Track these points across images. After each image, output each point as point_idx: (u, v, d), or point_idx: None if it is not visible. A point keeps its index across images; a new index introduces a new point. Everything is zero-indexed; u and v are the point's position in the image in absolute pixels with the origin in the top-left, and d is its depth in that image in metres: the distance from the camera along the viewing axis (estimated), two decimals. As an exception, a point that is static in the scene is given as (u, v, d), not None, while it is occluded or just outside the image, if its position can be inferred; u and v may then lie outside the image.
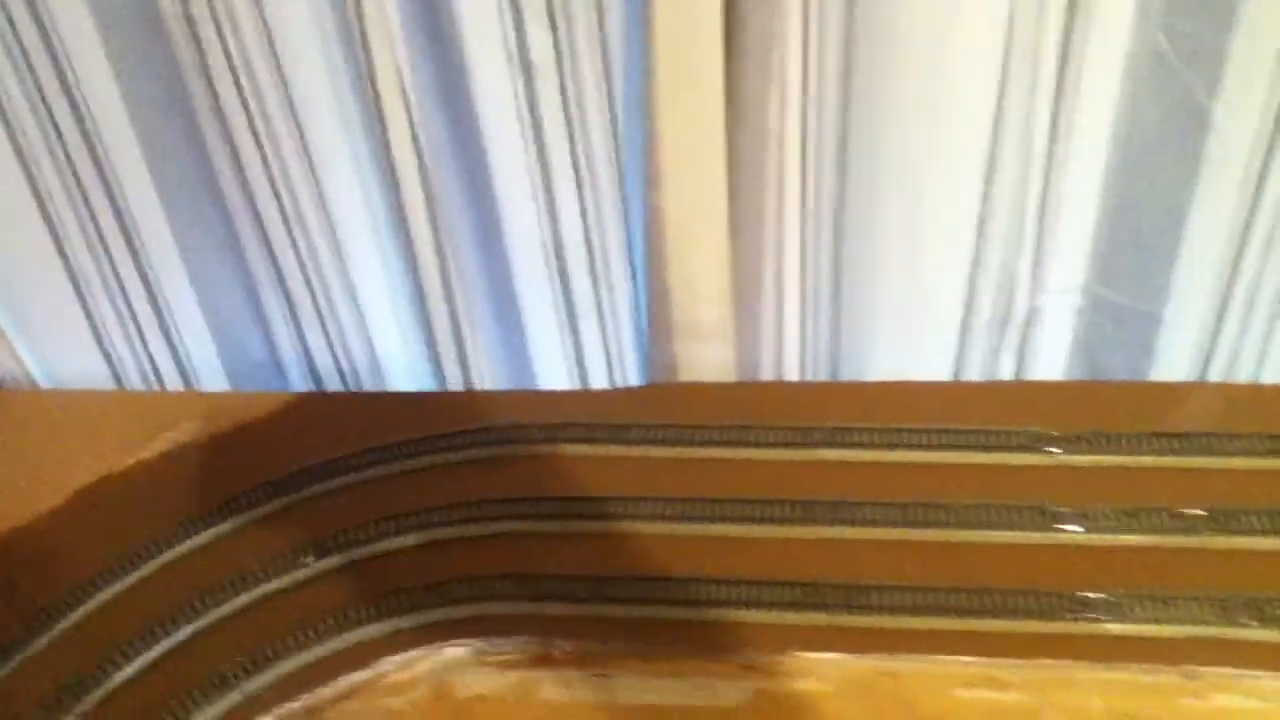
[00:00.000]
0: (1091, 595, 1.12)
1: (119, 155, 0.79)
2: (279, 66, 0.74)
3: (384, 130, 0.76)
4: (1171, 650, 1.09)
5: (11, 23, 0.71)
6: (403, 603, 1.12)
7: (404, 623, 1.10)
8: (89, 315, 0.87)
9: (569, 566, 1.16)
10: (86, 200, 0.80)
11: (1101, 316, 0.82)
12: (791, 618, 1.12)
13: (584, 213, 0.80)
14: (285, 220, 0.81)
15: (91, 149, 0.78)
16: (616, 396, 0.89)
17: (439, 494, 1.21)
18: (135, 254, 0.84)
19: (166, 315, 0.87)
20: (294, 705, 1.05)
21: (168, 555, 1.17)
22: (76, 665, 1.13)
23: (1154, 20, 0.68)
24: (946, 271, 0.80)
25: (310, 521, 1.19)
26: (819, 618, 1.12)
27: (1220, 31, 0.68)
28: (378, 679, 1.06)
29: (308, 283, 0.85)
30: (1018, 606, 1.12)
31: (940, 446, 1.25)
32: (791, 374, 0.89)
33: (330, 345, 0.88)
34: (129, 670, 1.10)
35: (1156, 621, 1.10)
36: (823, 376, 0.88)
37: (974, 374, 0.86)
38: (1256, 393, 0.82)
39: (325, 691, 1.05)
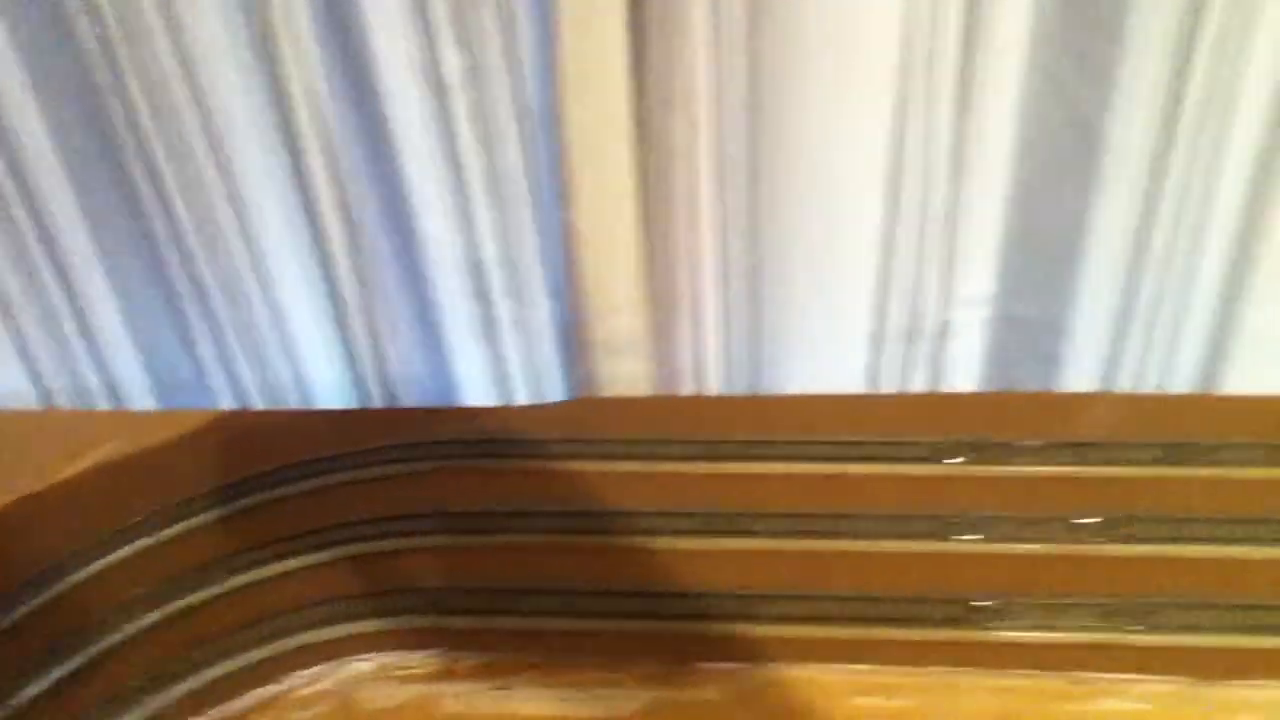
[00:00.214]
0: (983, 602, 1.14)
1: (42, 175, 0.79)
2: (194, 88, 0.75)
3: (298, 151, 0.77)
4: (1058, 656, 1.12)
5: None
6: (310, 618, 1.14)
7: (311, 638, 1.12)
8: (16, 336, 0.88)
9: (473, 580, 1.17)
10: (11, 221, 0.81)
11: (1011, 329, 0.83)
12: (688, 628, 1.14)
13: (500, 230, 0.81)
14: (206, 239, 0.82)
15: (14, 171, 0.79)
16: (541, 411, 0.90)
17: (349, 511, 1.22)
18: (61, 274, 0.84)
19: (94, 336, 0.87)
20: None
21: (80, 574, 1.17)
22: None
23: (1048, 38, 0.70)
24: (855, 285, 0.81)
25: (221, 539, 1.20)
26: (716, 628, 1.13)
27: (1110, 49, 0.70)
28: (285, 694, 1.07)
29: (230, 302, 0.85)
30: (911, 614, 1.14)
31: (843, 458, 1.27)
32: (713, 387, 0.90)
33: (254, 364, 0.89)
34: (34, 690, 1.11)
35: (1044, 628, 1.12)
36: (743, 390, 0.89)
37: (889, 385, 0.87)
38: (1155, 403, 0.84)
39: (233, 706, 1.06)
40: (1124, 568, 1.18)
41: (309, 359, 0.88)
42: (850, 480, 1.25)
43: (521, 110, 0.75)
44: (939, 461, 1.26)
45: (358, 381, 0.88)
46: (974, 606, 1.14)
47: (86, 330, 0.87)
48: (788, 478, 1.26)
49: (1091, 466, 1.24)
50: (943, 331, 0.84)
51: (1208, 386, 0.83)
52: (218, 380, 0.90)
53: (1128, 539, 1.20)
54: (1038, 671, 1.09)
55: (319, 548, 1.20)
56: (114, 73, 0.74)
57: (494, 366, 0.87)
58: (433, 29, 0.71)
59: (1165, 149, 0.72)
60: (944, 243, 0.80)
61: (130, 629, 1.14)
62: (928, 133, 0.74)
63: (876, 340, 0.85)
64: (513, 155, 0.77)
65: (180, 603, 1.15)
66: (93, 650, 1.12)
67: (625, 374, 0.88)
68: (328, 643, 1.12)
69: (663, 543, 1.22)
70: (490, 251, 0.81)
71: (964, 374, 0.86)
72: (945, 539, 1.21)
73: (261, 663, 1.10)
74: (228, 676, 1.09)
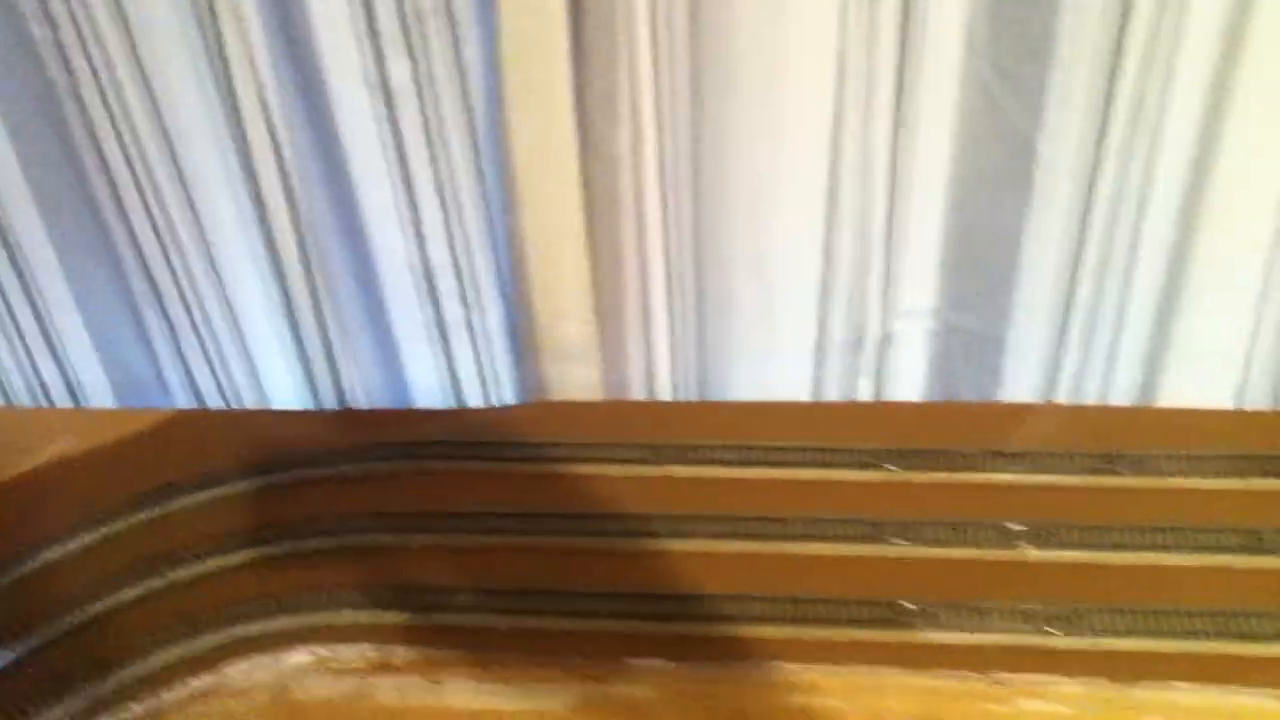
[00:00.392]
0: (910, 605, 1.15)
1: (2, 179, 0.81)
2: (150, 94, 0.77)
3: (252, 157, 0.79)
4: (982, 658, 1.14)
5: None
6: (249, 611, 1.16)
7: (250, 631, 1.14)
8: (-24, 335, 0.89)
9: (410, 577, 1.19)
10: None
11: (951, 340, 0.85)
12: (621, 626, 1.16)
13: (450, 236, 0.82)
14: (161, 242, 0.83)
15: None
16: (493, 415, 0.91)
17: (292, 509, 1.25)
18: (20, 274, 0.86)
19: (53, 334, 0.89)
20: (137, 708, 1.08)
21: (25, 567, 1.19)
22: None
23: (980, 54, 0.72)
24: (797, 295, 0.83)
25: (165, 534, 1.22)
26: (647, 626, 1.15)
27: (1039, 66, 0.71)
28: (221, 684, 1.09)
29: (185, 304, 0.87)
30: (840, 616, 1.16)
31: (782, 463, 1.29)
32: (663, 393, 0.91)
33: (210, 364, 0.90)
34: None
35: (969, 630, 1.14)
36: (693, 396, 0.91)
37: (833, 394, 0.89)
38: (1088, 414, 0.86)
39: (171, 695, 1.08)
40: (1048, 573, 1.20)
41: (263, 361, 0.89)
42: (788, 485, 1.27)
43: (468, 119, 0.76)
44: (878, 468, 1.28)
45: (310, 383, 0.90)
46: (902, 608, 1.17)
47: (46, 330, 0.89)
48: (727, 481, 1.28)
49: (1022, 474, 1.26)
50: (885, 342, 0.86)
51: (1145, 398, 0.85)
52: (175, 380, 0.91)
53: (1054, 545, 1.22)
54: (961, 672, 1.12)
55: (261, 544, 1.22)
56: (69, 77, 0.76)
57: (446, 370, 0.89)
58: (381, 39, 0.73)
59: (1096, 164, 0.74)
60: (884, 256, 0.81)
61: (73, 619, 1.16)
62: (865, 148, 0.76)
63: (820, 350, 0.86)
64: (460, 163, 0.79)
65: (123, 595, 1.17)
66: (33, 640, 1.14)
67: (576, 379, 0.89)
68: (266, 636, 1.14)
69: (598, 543, 1.25)
70: (440, 257, 0.83)
71: (907, 384, 0.88)
72: (877, 543, 1.23)
73: (200, 654, 1.13)
74: (167, 667, 1.11)
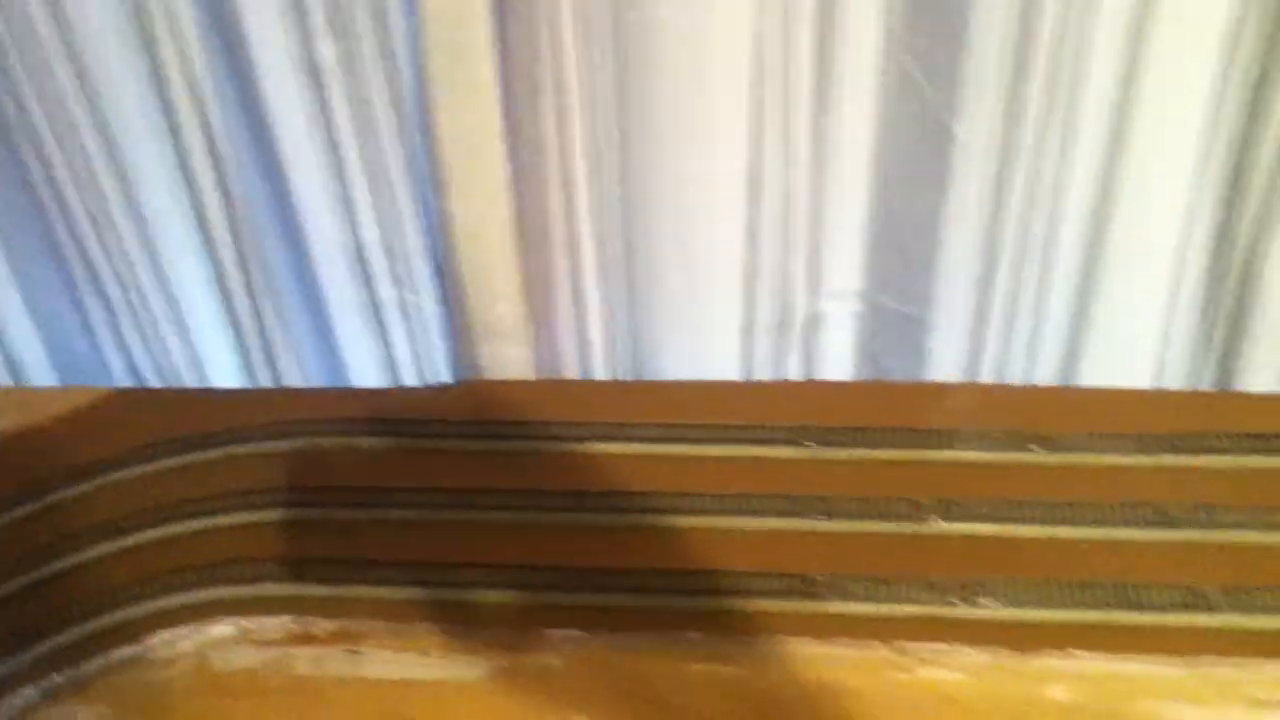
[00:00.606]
0: (819, 576, 1.18)
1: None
2: (81, 74, 0.77)
3: (181, 137, 0.80)
4: (886, 628, 1.18)
5: None
6: (172, 584, 1.17)
7: (173, 602, 1.16)
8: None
9: (333, 551, 1.21)
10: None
11: (877, 321, 0.86)
12: (538, 598, 1.18)
13: (382, 216, 0.83)
14: (96, 223, 0.84)
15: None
16: (432, 394, 0.92)
17: (217, 484, 1.27)
18: (-41, 253, 0.86)
19: (-8, 313, 0.90)
20: (59, 679, 1.09)
21: None
22: None
23: (898, 40, 0.73)
24: (724, 277, 0.84)
25: (96, 509, 1.24)
26: (561, 598, 1.18)
27: (953, 51, 0.72)
28: (144, 654, 1.11)
29: (122, 284, 0.88)
30: (751, 588, 1.18)
31: (708, 441, 1.31)
32: (599, 373, 0.92)
33: (148, 344, 0.91)
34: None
35: (874, 600, 1.16)
36: (627, 376, 0.92)
37: (764, 374, 0.90)
38: (1011, 393, 0.88)
39: (92, 665, 1.10)
40: (956, 546, 1.22)
41: (201, 341, 0.90)
42: (712, 462, 1.29)
43: (396, 100, 0.77)
44: (800, 445, 1.30)
45: (247, 363, 0.90)
46: (812, 580, 1.19)
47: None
48: (649, 458, 1.30)
49: (939, 452, 1.28)
50: (814, 323, 0.87)
51: (1067, 379, 0.87)
52: (114, 359, 0.92)
53: (963, 519, 1.24)
54: (866, 642, 1.14)
55: (185, 518, 1.24)
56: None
57: (382, 350, 0.90)
58: (308, 19, 0.74)
59: (1011, 148, 0.75)
60: (809, 237, 0.83)
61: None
62: (787, 133, 0.77)
63: (749, 331, 0.88)
64: (389, 143, 0.79)
65: (47, 568, 1.18)
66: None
67: (509, 359, 0.90)
68: (189, 607, 1.16)
69: (518, 518, 1.27)
70: (372, 236, 0.84)
71: (836, 364, 0.90)
72: (794, 517, 1.25)
73: (123, 624, 1.15)
74: (89, 637, 1.13)
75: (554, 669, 1.13)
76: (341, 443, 1.29)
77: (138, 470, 1.26)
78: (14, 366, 0.94)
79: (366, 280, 0.86)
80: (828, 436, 1.32)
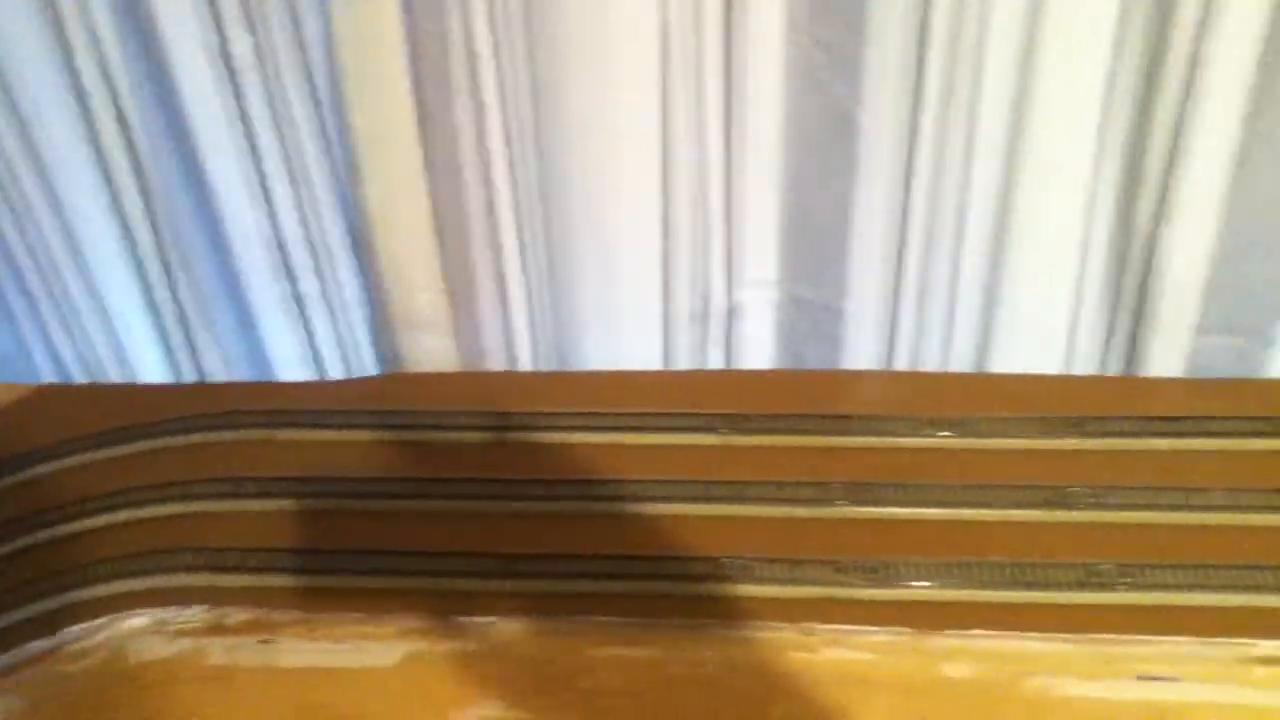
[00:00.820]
0: (727, 560, 1.20)
1: None
2: None
3: (98, 130, 0.80)
4: (792, 609, 1.19)
5: None
6: (87, 576, 1.18)
7: (87, 594, 1.17)
8: None
9: (246, 541, 1.23)
10: None
11: (795, 310, 0.87)
12: (449, 584, 1.20)
13: (301, 209, 0.84)
14: (16, 217, 0.84)
15: None
16: (353, 385, 0.93)
17: (137, 477, 1.27)
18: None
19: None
20: None
21: None
22: None
23: (802, 31, 0.74)
24: (641, 267, 0.85)
25: (10, 504, 1.24)
26: (473, 584, 1.19)
27: (855, 42, 0.74)
28: (58, 647, 1.12)
29: (45, 280, 0.88)
30: (661, 571, 1.20)
31: (626, 429, 1.33)
32: (524, 363, 0.93)
33: (74, 339, 0.91)
34: None
35: (781, 583, 1.18)
36: (553, 366, 0.93)
37: (685, 363, 0.91)
38: (923, 379, 0.89)
39: (4, 659, 1.12)
40: (862, 529, 1.25)
41: (125, 335, 0.91)
42: (629, 449, 1.31)
43: (311, 92, 0.78)
44: (714, 432, 1.32)
45: (171, 357, 0.91)
46: (721, 563, 1.20)
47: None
48: (567, 447, 1.31)
49: (849, 437, 1.31)
50: (733, 313, 0.88)
51: (980, 365, 0.88)
52: (39, 354, 0.92)
53: (870, 503, 1.27)
54: (774, 623, 1.16)
55: (100, 512, 1.25)
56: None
57: (306, 342, 0.91)
58: (221, 12, 0.74)
59: (913, 136, 0.77)
60: (724, 229, 0.84)
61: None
62: (697, 123, 0.78)
63: (669, 320, 0.89)
64: (306, 137, 0.80)
65: None
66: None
67: (432, 350, 0.91)
68: (103, 599, 1.17)
69: (429, 506, 1.29)
70: (292, 230, 0.85)
71: (756, 353, 0.91)
72: (705, 502, 1.28)
73: (37, 617, 1.15)
74: (3, 631, 1.13)
75: (467, 655, 1.14)
76: (260, 435, 1.30)
77: (54, 465, 1.27)
78: (-59, 362, 0.94)
79: (288, 273, 0.87)
80: (742, 424, 1.36)
